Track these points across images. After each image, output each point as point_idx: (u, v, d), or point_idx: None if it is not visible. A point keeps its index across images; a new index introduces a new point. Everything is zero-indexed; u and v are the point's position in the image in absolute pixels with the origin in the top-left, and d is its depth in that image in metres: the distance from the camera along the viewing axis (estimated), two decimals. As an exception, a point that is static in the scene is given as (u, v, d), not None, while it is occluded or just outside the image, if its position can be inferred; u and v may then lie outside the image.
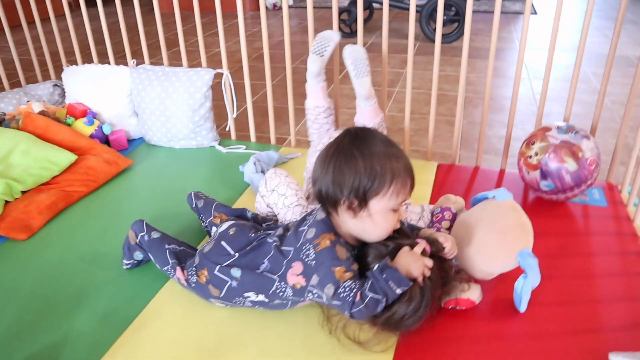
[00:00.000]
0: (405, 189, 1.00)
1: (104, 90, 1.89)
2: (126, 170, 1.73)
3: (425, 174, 1.67)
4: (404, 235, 1.06)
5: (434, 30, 3.64)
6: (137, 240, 1.23)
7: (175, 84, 1.80)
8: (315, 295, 1.01)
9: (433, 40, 3.61)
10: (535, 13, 4.45)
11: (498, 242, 1.12)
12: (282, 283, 1.05)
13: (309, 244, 1.01)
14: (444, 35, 3.63)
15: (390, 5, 3.62)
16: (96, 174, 1.63)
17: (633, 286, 1.21)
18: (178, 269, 1.16)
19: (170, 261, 1.18)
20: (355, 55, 1.50)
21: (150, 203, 1.56)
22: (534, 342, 1.06)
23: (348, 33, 3.74)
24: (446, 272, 1.06)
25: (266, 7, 5.26)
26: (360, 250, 1.05)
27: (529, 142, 1.49)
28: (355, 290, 0.95)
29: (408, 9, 3.68)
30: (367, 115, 1.53)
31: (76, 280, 1.25)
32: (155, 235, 1.23)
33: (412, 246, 1.01)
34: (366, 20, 4.05)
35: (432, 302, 1.00)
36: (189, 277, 1.14)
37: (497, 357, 1.03)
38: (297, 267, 1.03)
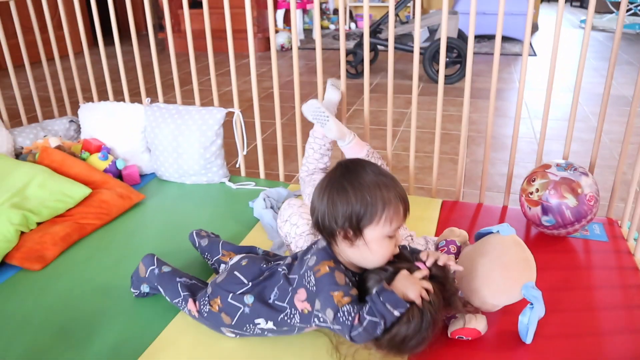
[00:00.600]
0: (398, 215, 1.03)
1: (118, 126, 1.96)
2: (138, 204, 1.78)
3: (429, 211, 1.72)
4: (404, 260, 1.09)
5: (437, 71, 3.75)
6: (147, 274, 1.27)
7: (188, 121, 1.87)
8: (322, 320, 1.05)
9: (436, 81, 3.70)
10: (535, 55, 4.57)
11: (503, 276, 1.15)
12: (292, 309, 1.09)
13: (310, 270, 1.06)
14: (446, 77, 3.72)
15: (395, 48, 3.73)
16: (109, 207, 1.67)
17: (635, 319, 1.24)
18: (190, 301, 1.19)
19: (182, 294, 1.21)
20: (311, 109, 1.59)
21: (161, 236, 1.60)
22: (538, 373, 1.09)
23: (354, 74, 3.84)
24: (449, 293, 1.08)
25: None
26: (361, 277, 1.09)
27: (530, 179, 1.54)
28: (353, 314, 0.98)
29: (412, 51, 3.79)
30: (350, 153, 1.60)
31: (88, 310, 1.28)
32: (165, 269, 1.27)
33: (411, 270, 1.05)
34: (371, 62, 4.17)
35: (435, 324, 1.03)
36: (201, 307, 1.17)
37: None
38: (302, 293, 1.07)
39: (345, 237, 1.03)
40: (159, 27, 5.91)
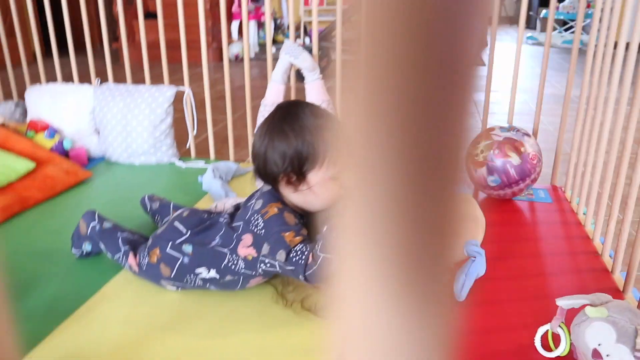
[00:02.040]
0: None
1: (66, 107, 1.91)
2: (85, 182, 1.73)
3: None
4: None
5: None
6: (88, 231, 1.22)
7: (138, 100, 1.84)
8: (268, 265, 1.02)
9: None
10: (484, 65, 4.74)
11: None
12: (234, 256, 1.05)
13: (257, 214, 1.02)
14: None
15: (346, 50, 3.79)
16: (54, 182, 1.62)
17: (578, 263, 1.27)
18: (130, 255, 1.15)
19: (123, 248, 1.16)
20: (286, 46, 1.68)
21: (106, 208, 1.53)
22: (487, 307, 1.10)
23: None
24: None
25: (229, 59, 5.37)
26: (308, 218, 1.08)
27: (475, 142, 1.58)
28: (307, 252, 0.96)
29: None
30: (314, 91, 1.64)
31: (27, 272, 1.22)
32: (107, 225, 1.22)
33: None
34: (324, 69, 4.23)
35: None
36: (141, 260, 1.13)
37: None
38: (247, 239, 1.03)
39: (288, 182, 1.02)
40: (114, 38, 5.85)
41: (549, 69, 4.59)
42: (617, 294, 1.13)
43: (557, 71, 4.41)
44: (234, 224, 1.07)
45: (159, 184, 1.74)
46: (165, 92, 1.85)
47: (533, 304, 1.10)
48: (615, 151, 1.28)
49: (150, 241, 1.14)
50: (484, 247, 1.14)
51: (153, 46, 1.99)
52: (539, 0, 7.86)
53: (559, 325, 0.96)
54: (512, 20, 8.36)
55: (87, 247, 1.24)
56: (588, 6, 4.97)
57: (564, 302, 0.93)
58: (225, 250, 1.06)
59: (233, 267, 1.06)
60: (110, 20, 5.69)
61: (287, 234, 0.99)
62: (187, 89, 1.89)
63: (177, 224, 1.13)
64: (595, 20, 1.46)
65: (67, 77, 2.11)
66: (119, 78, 2.05)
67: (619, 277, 1.20)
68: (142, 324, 1.04)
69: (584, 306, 0.91)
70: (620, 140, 1.25)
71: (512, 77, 1.72)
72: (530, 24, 8.57)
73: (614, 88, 1.30)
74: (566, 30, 6.26)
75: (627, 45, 1.23)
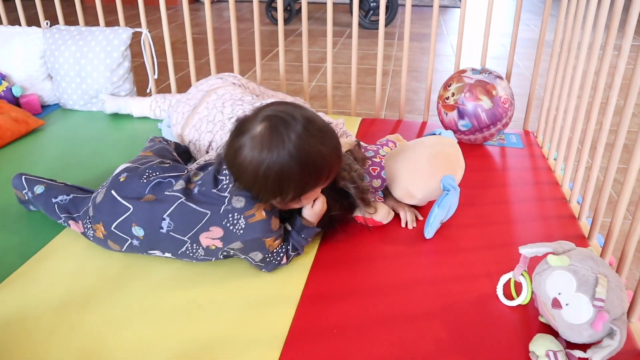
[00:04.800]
0: (337, 168, 0.96)
1: (14, 52, 1.79)
2: (38, 130, 1.64)
3: (348, 126, 1.66)
4: None
5: (364, 16, 3.70)
6: (25, 197, 1.15)
7: (91, 43, 1.73)
8: (231, 253, 0.98)
9: (363, 27, 3.66)
10: (459, 7, 4.61)
11: (427, 162, 1.12)
12: (194, 245, 0.96)
13: (238, 213, 0.92)
14: (373, 22, 3.68)
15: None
16: (2, 131, 1.53)
17: (546, 209, 1.24)
18: (71, 222, 1.08)
19: (62, 216, 1.08)
20: None
21: (60, 158, 1.48)
22: (452, 256, 1.06)
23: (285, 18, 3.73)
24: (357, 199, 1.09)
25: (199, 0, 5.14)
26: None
27: (446, 84, 1.52)
28: (282, 254, 0.99)
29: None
30: None
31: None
32: (38, 189, 1.12)
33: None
34: (299, 10, 4.07)
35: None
36: (86, 230, 1.05)
37: (413, 268, 1.03)
38: (216, 231, 0.94)
39: (280, 202, 0.94)
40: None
41: (531, 13, 4.50)
42: (582, 240, 1.11)
43: (538, 15, 4.31)
44: (197, 208, 0.94)
45: (117, 131, 1.65)
46: (121, 34, 1.74)
47: (498, 251, 1.07)
48: (586, 96, 1.23)
49: (91, 210, 1.03)
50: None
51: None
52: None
53: (521, 274, 0.93)
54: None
55: (34, 207, 1.17)
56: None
57: (527, 250, 0.89)
58: (185, 238, 0.96)
59: (191, 254, 0.98)
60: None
61: (268, 239, 0.95)
62: (144, 30, 1.77)
63: (114, 193, 0.99)
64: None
65: (14, 22, 1.98)
66: (73, 22, 1.93)
67: (585, 224, 1.18)
68: (90, 279, 0.99)
69: (547, 254, 0.88)
70: (592, 84, 1.20)
71: (485, 20, 1.64)
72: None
73: (587, 32, 1.24)
74: (548, -29, 6.09)
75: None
